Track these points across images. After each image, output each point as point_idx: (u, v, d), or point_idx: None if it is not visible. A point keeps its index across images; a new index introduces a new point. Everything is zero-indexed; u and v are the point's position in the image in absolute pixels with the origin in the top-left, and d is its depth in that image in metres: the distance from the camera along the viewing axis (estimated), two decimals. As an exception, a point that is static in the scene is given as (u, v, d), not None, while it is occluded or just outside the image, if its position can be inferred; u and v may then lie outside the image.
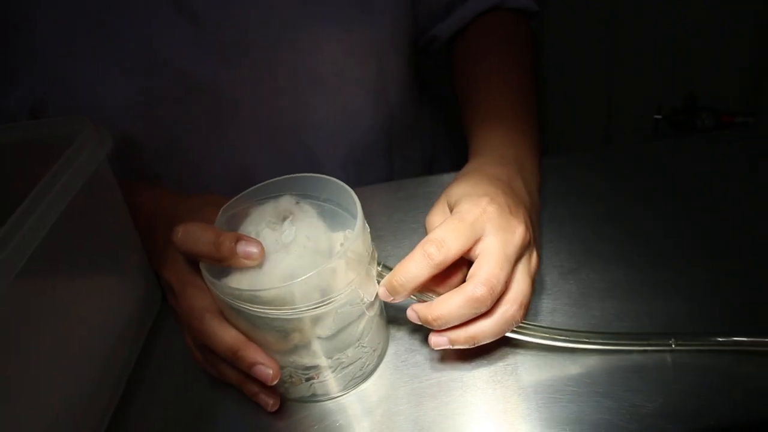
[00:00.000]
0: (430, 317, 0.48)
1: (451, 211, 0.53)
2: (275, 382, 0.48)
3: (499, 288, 0.47)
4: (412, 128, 0.89)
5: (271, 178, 0.77)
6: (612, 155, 0.76)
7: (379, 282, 0.50)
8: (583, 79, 1.57)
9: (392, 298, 0.49)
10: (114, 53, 0.67)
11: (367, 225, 0.49)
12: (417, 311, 0.50)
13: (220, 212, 0.51)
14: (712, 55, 1.48)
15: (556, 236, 0.63)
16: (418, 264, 0.48)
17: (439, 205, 0.55)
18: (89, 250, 0.53)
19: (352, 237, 0.47)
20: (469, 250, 0.49)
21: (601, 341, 0.50)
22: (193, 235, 0.48)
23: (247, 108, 0.73)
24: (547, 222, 0.65)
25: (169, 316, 0.60)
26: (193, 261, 0.51)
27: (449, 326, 0.49)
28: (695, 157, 0.73)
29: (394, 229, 0.66)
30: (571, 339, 0.50)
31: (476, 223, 0.49)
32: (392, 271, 0.49)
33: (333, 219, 0.53)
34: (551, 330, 0.50)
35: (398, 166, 0.88)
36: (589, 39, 1.51)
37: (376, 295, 0.50)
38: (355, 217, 0.48)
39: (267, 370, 0.47)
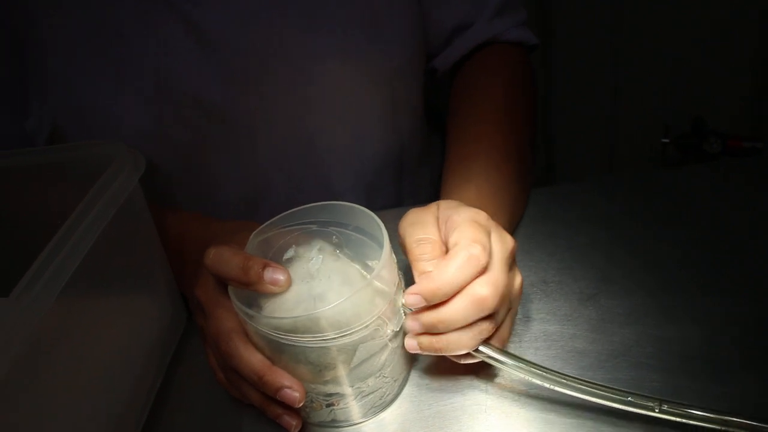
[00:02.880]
0: (435, 319, 0.48)
1: (438, 224, 0.53)
2: (300, 405, 0.49)
3: (502, 290, 0.48)
4: (422, 154, 0.90)
5: (283, 201, 0.79)
6: (621, 180, 0.77)
7: (405, 314, 0.50)
8: (589, 104, 1.58)
9: (422, 304, 0.49)
10: (131, 80, 0.68)
11: (394, 255, 0.50)
12: (418, 318, 0.49)
13: (251, 237, 0.52)
14: (719, 79, 1.50)
15: (574, 263, 0.64)
16: (461, 267, 0.48)
17: (424, 213, 0.55)
18: (121, 272, 0.54)
19: (379, 267, 0.47)
20: None
21: (585, 389, 0.48)
22: (223, 257, 0.50)
23: (261, 133, 0.74)
24: (564, 248, 0.66)
25: (192, 336, 0.61)
26: (223, 283, 0.52)
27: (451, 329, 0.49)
28: (705, 183, 0.74)
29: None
30: (554, 381, 0.49)
31: (486, 227, 0.50)
32: (428, 276, 0.48)
33: (360, 248, 0.54)
34: (541, 369, 0.49)
35: (407, 191, 0.89)
36: (595, 62, 1.53)
37: (401, 326, 0.50)
38: (381, 246, 0.49)
39: (294, 393, 0.48)
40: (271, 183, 0.78)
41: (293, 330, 0.46)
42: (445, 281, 0.47)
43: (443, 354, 0.50)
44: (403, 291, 0.50)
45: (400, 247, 0.53)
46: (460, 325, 0.48)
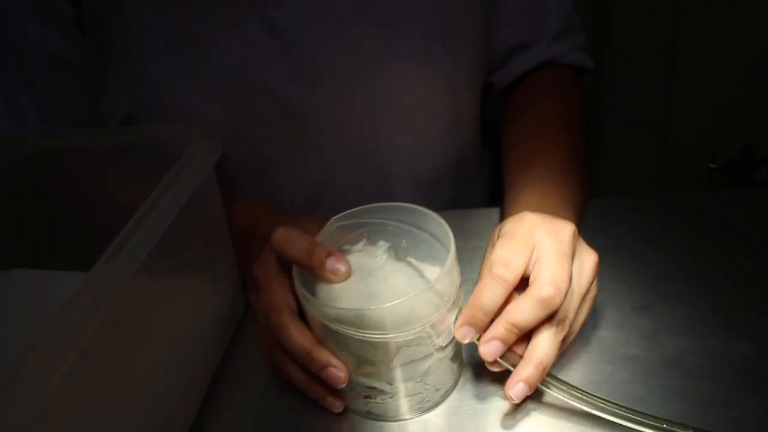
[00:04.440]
0: (503, 328, 0.49)
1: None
2: (343, 386, 0.50)
3: (564, 285, 0.49)
4: (479, 163, 0.92)
5: (343, 200, 0.81)
6: (669, 198, 0.78)
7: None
8: (639, 124, 1.58)
9: (473, 335, 0.50)
10: (207, 72, 0.71)
11: (457, 268, 0.51)
12: (490, 332, 0.50)
13: (328, 223, 0.54)
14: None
15: (626, 274, 0.65)
16: (491, 288, 0.50)
17: (489, 245, 0.57)
18: (191, 253, 0.56)
19: (437, 278, 0.48)
20: (529, 262, 0.51)
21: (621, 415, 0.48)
22: (291, 238, 0.52)
23: (328, 131, 0.76)
24: (615, 260, 0.67)
25: (248, 323, 0.63)
26: (284, 264, 0.54)
27: (521, 331, 0.49)
28: (753, 206, 0.75)
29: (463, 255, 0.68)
30: (591, 405, 0.49)
31: (526, 235, 0.52)
32: (467, 305, 0.50)
33: (429, 254, 0.54)
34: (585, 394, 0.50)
35: (462, 201, 0.91)
36: (647, 82, 1.53)
37: (452, 339, 0.51)
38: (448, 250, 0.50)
39: (339, 373, 0.50)
40: (333, 182, 0.80)
41: (339, 320, 0.48)
42: (478, 305, 0.50)
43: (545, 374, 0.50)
44: (461, 308, 0.51)
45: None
46: (530, 327, 0.49)
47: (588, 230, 0.71)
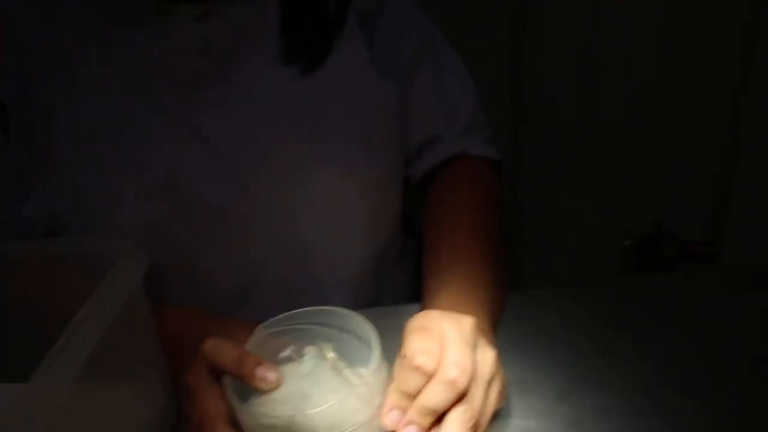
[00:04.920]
0: (416, 412, 0.51)
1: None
2: None
3: (468, 368, 0.52)
4: (400, 256, 0.95)
5: (273, 295, 0.82)
6: (589, 286, 0.82)
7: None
8: (556, 211, 1.66)
9: (400, 418, 0.52)
10: (136, 176, 0.72)
11: (385, 364, 0.53)
12: (406, 418, 0.52)
13: (255, 331, 0.56)
14: (678, 188, 1.59)
15: (549, 362, 0.68)
16: (414, 378, 0.52)
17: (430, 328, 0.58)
18: (121, 366, 0.56)
19: (368, 375, 0.51)
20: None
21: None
22: (221, 348, 0.54)
23: (254, 231, 0.77)
24: (538, 349, 0.70)
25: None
26: (214, 372, 0.55)
27: (433, 415, 0.52)
28: (667, 289, 0.80)
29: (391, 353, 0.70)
30: None
31: (434, 327, 0.55)
32: (391, 392, 0.53)
33: (356, 355, 0.56)
34: None
35: (386, 291, 0.92)
36: (564, 171, 1.61)
37: None
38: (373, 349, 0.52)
39: None
40: (262, 278, 0.81)
41: (272, 427, 0.49)
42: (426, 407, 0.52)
43: None
44: None
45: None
46: (441, 408, 0.51)
47: (514, 321, 0.74)
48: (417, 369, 0.52)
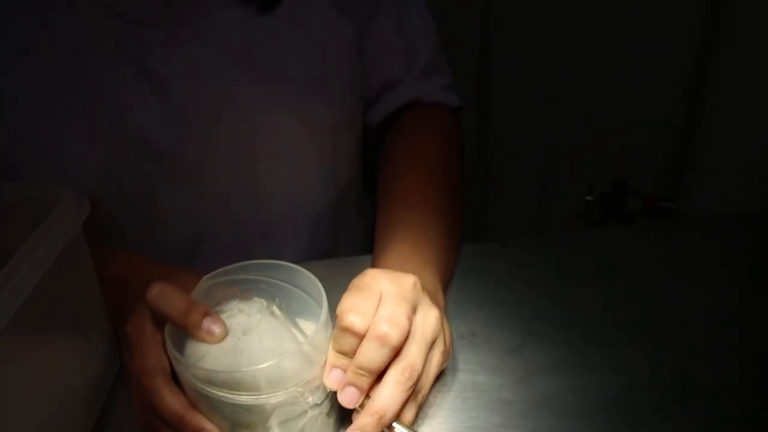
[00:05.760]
0: (352, 372, 0.49)
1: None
2: None
3: (402, 323, 0.50)
4: (357, 206, 0.93)
5: (226, 243, 0.80)
6: (548, 239, 0.82)
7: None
8: (522, 163, 1.66)
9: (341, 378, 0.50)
10: (84, 120, 0.69)
11: (330, 325, 0.51)
12: (344, 379, 0.50)
13: (200, 281, 0.54)
14: (639, 144, 1.60)
15: (502, 316, 0.67)
16: (343, 338, 0.50)
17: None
18: (59, 313, 0.54)
19: (314, 332, 0.49)
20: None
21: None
22: (167, 296, 0.51)
23: (207, 177, 0.76)
24: (493, 302, 0.69)
25: (123, 388, 0.62)
26: (158, 322, 0.53)
27: (369, 374, 0.50)
28: (625, 242, 0.79)
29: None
30: None
31: (370, 285, 0.53)
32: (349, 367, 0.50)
33: (303, 311, 0.55)
34: None
35: (344, 240, 0.92)
36: (529, 124, 1.61)
37: (327, 395, 0.51)
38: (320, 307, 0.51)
39: None
40: (215, 225, 0.79)
41: (211, 382, 0.47)
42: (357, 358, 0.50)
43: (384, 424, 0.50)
44: None
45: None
46: (374, 366, 0.49)
47: (470, 272, 0.74)
48: (347, 329, 0.50)
